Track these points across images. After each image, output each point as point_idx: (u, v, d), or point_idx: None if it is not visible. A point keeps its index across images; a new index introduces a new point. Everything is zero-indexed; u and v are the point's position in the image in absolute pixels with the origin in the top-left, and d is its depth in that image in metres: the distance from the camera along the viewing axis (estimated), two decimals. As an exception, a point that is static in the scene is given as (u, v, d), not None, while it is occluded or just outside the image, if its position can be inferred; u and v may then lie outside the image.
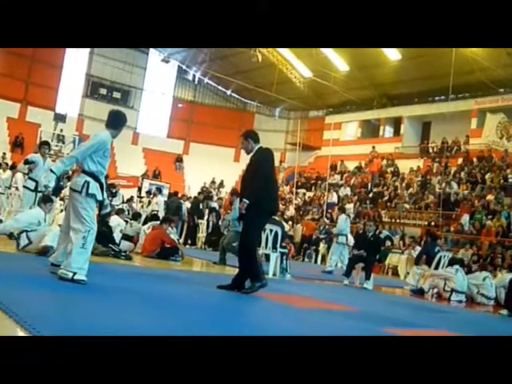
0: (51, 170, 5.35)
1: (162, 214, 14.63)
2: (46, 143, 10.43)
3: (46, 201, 8.38)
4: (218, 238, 13.00)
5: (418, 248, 15.66)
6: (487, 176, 22.23)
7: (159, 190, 20.13)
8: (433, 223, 20.37)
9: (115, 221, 10.36)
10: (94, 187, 5.28)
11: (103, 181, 5.48)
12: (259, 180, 6.32)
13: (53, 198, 11.24)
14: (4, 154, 24.16)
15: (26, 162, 9.63)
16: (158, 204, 17.20)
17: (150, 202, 18.78)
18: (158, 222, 11.16)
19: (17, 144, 27.51)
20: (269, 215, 6.89)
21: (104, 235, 9.08)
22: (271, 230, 9.84)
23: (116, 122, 5.62)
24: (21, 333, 2.89)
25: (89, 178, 5.27)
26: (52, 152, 27.10)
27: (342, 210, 15.97)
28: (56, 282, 4.96)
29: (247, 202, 6.19)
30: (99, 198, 5.34)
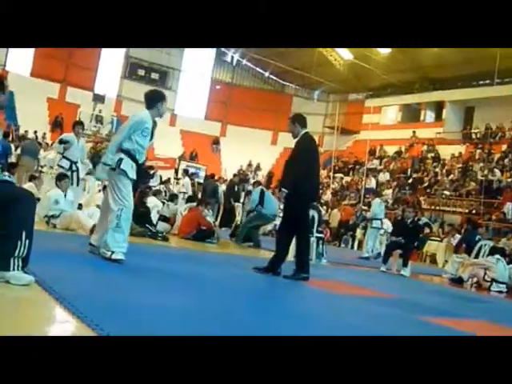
0: (104, 163, 5.33)
1: (186, 195, 14.86)
2: (80, 123, 10.63)
3: (60, 179, 8.54)
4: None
5: (458, 236, 15.43)
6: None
7: (186, 171, 20.26)
8: (474, 211, 20.02)
9: (152, 202, 10.51)
10: (127, 164, 5.29)
11: (141, 159, 5.46)
12: (299, 168, 6.35)
13: (90, 177, 11.50)
14: (44, 134, 24.68)
15: (61, 142, 9.77)
16: (185, 185, 17.32)
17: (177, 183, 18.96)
18: (195, 204, 11.27)
19: (56, 124, 27.99)
20: (309, 202, 6.99)
21: (142, 216, 9.23)
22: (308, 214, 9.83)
23: (150, 101, 5.56)
24: (61, 312, 2.97)
25: (123, 155, 5.31)
26: (91, 132, 27.71)
27: (377, 195, 15.91)
28: (94, 261, 5.08)
29: (286, 191, 6.29)
30: (130, 175, 5.32)
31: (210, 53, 35.27)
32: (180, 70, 34.89)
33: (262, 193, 11.14)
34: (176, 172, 26.15)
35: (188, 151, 30.86)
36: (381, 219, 14.48)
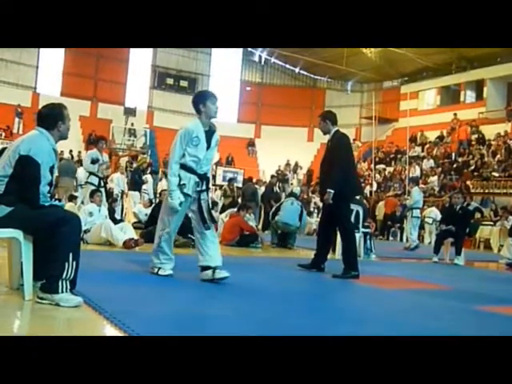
0: (172, 190, 5.04)
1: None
2: (103, 138, 11.14)
3: (92, 194, 8.95)
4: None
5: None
6: None
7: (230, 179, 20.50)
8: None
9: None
10: (181, 178, 5.06)
11: (200, 170, 5.14)
12: (339, 168, 6.42)
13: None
14: (79, 152, 25.20)
15: (94, 162, 10.04)
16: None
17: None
18: (235, 210, 11.32)
19: (90, 141, 28.52)
20: (353, 199, 7.12)
21: (183, 226, 9.33)
22: (352, 210, 9.75)
23: (194, 107, 5.20)
24: (113, 330, 3.03)
25: (181, 171, 5.08)
26: (125, 146, 28.17)
27: (416, 183, 15.85)
28: (137, 276, 5.19)
29: (332, 191, 6.33)
30: (184, 190, 5.05)
31: (237, 54, 35.40)
32: (209, 74, 35.11)
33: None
34: (214, 178, 26.36)
35: (223, 156, 31.03)
36: (420, 208, 14.34)
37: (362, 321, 3.98)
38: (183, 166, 5.08)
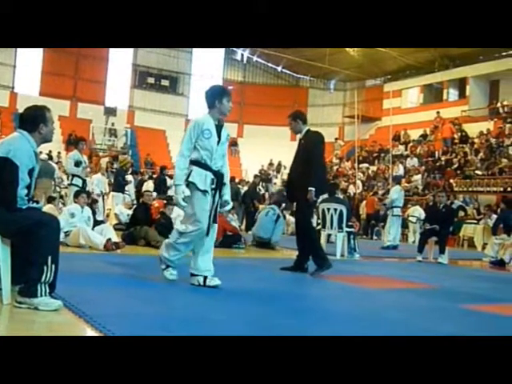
0: (176, 185, 4.94)
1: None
2: (83, 139, 11.27)
3: (76, 195, 8.96)
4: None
5: (495, 216, 15.24)
6: None
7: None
8: (509, 188, 19.69)
9: (176, 212, 10.53)
10: (196, 175, 4.91)
11: (214, 165, 5.02)
12: (316, 166, 6.62)
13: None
14: (59, 153, 24.96)
15: (78, 164, 10.09)
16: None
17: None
18: None
19: (70, 142, 28.29)
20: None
21: (164, 227, 9.31)
22: (335, 210, 9.79)
23: (208, 101, 5.14)
24: (93, 333, 3.00)
25: (193, 167, 4.96)
26: (106, 147, 27.99)
27: (398, 182, 16.00)
28: (116, 279, 5.14)
29: (314, 189, 6.47)
30: (201, 187, 4.88)
31: (219, 53, 35.29)
32: (190, 74, 34.97)
33: None
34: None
35: (206, 156, 30.91)
36: (400, 207, 14.32)
37: (346, 321, 3.98)
38: (197, 163, 4.95)
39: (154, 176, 20.01)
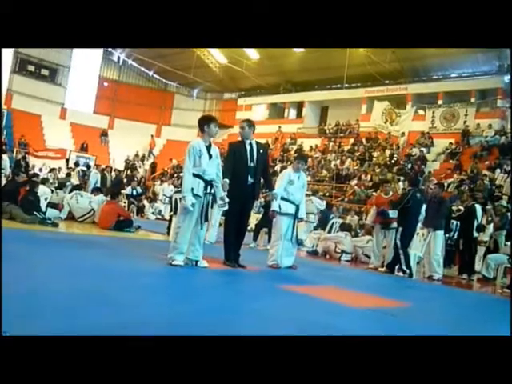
0: (184, 196, 5.38)
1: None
2: None
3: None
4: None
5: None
6: (374, 154, 23.20)
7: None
8: (327, 194, 20.97)
9: (42, 190, 9.86)
10: (190, 184, 5.40)
11: (209, 177, 5.55)
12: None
13: None
14: None
15: None
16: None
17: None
18: (108, 198, 10.61)
19: None
20: None
21: (30, 203, 8.66)
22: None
23: (199, 126, 5.65)
24: None
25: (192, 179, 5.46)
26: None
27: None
28: None
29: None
30: (196, 192, 5.41)
31: (97, 51, 33.58)
32: (69, 67, 32.90)
33: None
34: (67, 162, 24.87)
35: (78, 143, 29.38)
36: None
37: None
38: (194, 174, 5.43)
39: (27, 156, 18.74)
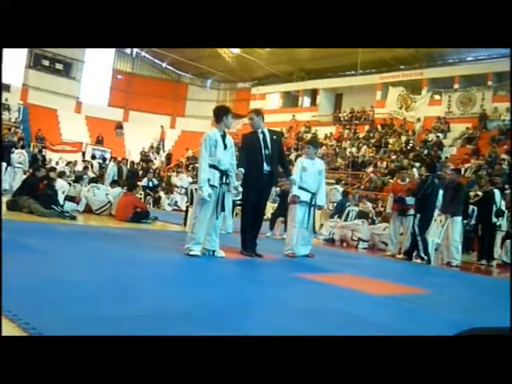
0: (201, 186, 5.39)
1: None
2: None
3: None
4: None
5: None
6: (390, 141, 23.00)
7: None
8: (343, 182, 20.84)
9: (59, 184, 9.96)
10: (206, 174, 5.42)
11: (224, 167, 5.57)
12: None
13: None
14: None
15: None
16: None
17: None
18: (125, 190, 10.68)
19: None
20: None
21: (48, 197, 8.76)
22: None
23: (215, 117, 5.68)
24: None
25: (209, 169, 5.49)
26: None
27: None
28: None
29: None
30: (212, 183, 5.46)
31: (110, 45, 33.60)
32: (83, 61, 33.06)
33: None
34: (83, 155, 25.09)
35: (94, 136, 29.60)
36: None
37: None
38: (209, 165, 5.46)
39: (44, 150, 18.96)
